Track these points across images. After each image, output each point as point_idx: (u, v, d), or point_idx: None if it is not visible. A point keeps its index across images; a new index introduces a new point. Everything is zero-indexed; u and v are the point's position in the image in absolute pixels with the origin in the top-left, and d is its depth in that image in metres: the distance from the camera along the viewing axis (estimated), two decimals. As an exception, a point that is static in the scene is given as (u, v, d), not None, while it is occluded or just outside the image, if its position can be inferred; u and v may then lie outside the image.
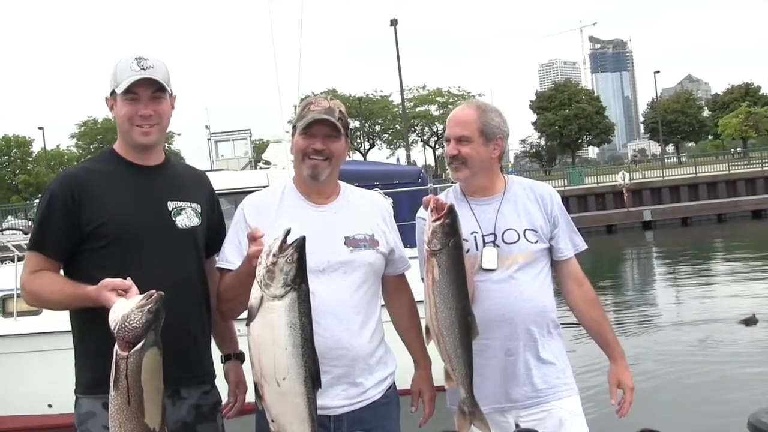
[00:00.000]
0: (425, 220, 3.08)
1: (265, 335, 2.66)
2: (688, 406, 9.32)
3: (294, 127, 3.27)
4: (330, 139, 3.19)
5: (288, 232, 2.70)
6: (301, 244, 2.68)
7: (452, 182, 3.62)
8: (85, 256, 3.08)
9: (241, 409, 3.43)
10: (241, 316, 2.96)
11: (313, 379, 2.70)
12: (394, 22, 42.32)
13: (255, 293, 2.68)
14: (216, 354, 3.45)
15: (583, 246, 3.54)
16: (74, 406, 3.12)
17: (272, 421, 2.73)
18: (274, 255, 2.66)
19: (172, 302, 2.55)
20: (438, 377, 3.28)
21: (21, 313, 9.83)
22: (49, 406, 9.26)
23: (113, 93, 3.16)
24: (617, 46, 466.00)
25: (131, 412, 2.44)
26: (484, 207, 3.43)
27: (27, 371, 9.71)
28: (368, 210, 3.33)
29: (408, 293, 3.45)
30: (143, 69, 3.10)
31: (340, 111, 3.22)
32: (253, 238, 2.83)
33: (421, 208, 3.19)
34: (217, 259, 3.30)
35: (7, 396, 9.90)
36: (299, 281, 2.67)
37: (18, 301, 9.74)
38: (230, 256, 3.17)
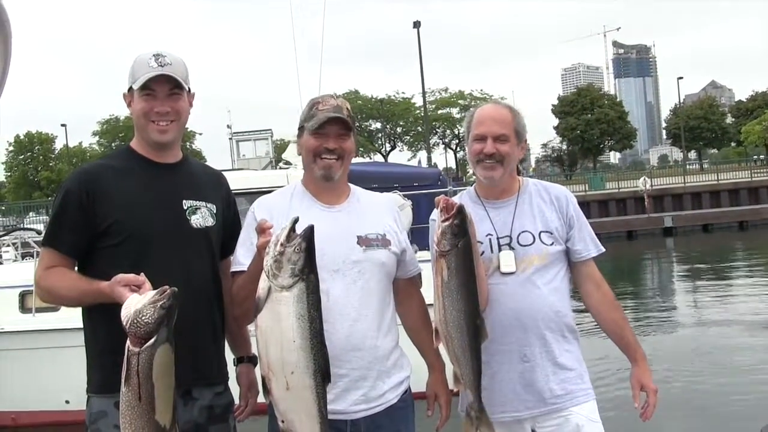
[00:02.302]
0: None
1: (272, 327, 2.59)
2: (702, 412, 9.21)
3: (301, 128, 3.22)
4: (341, 138, 3.16)
5: (296, 221, 2.65)
6: (308, 233, 2.62)
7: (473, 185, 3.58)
8: (99, 253, 3.06)
9: (253, 411, 3.39)
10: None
11: (322, 374, 2.63)
12: (417, 25, 42.35)
13: (263, 284, 2.61)
14: (229, 356, 3.42)
15: (600, 248, 3.46)
16: (86, 404, 3.11)
17: (282, 421, 2.68)
18: (281, 244, 2.59)
19: (184, 301, 2.53)
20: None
21: (39, 309, 9.87)
22: (66, 402, 9.27)
23: (131, 89, 3.16)
24: (641, 51, 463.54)
25: (142, 409, 2.43)
26: (500, 209, 3.39)
27: (44, 367, 9.75)
28: (379, 210, 3.29)
29: (419, 297, 3.41)
30: (161, 66, 3.09)
31: (347, 108, 3.19)
32: (261, 230, 2.77)
33: (434, 210, 3.15)
34: (232, 259, 3.25)
35: (25, 391, 9.95)
36: (308, 271, 2.60)
37: (36, 296, 9.77)
38: (242, 258, 3.12)
